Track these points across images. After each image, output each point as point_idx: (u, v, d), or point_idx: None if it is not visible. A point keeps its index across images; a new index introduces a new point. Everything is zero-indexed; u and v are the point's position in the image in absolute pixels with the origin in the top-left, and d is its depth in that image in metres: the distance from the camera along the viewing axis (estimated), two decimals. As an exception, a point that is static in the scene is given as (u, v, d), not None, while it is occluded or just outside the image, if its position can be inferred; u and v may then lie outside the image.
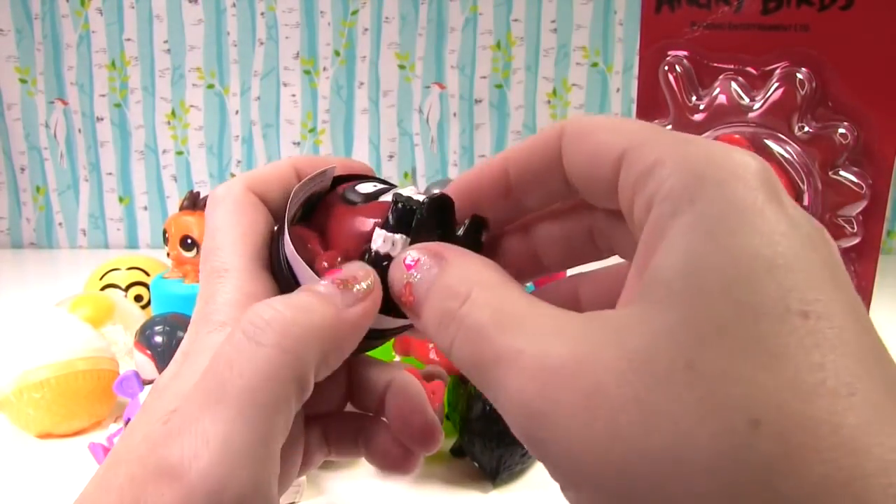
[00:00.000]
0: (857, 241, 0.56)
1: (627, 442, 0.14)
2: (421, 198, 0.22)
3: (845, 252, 0.57)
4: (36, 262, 1.13)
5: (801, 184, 0.55)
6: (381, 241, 0.21)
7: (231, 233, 0.22)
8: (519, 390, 0.15)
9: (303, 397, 0.19)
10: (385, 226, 0.21)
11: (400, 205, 0.21)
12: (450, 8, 1.10)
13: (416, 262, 0.20)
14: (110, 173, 1.17)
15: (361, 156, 1.15)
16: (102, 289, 0.75)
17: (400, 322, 0.22)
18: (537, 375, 0.15)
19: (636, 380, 0.14)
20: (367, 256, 0.21)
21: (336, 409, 0.26)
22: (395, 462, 0.25)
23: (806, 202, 0.55)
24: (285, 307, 0.19)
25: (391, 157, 1.16)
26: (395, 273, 0.20)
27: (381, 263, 0.21)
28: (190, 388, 0.18)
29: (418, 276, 0.19)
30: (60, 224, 1.19)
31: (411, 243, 0.21)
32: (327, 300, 0.19)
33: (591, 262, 0.23)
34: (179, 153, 1.16)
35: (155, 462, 0.17)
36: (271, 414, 0.18)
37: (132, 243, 1.20)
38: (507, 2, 1.09)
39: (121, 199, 1.18)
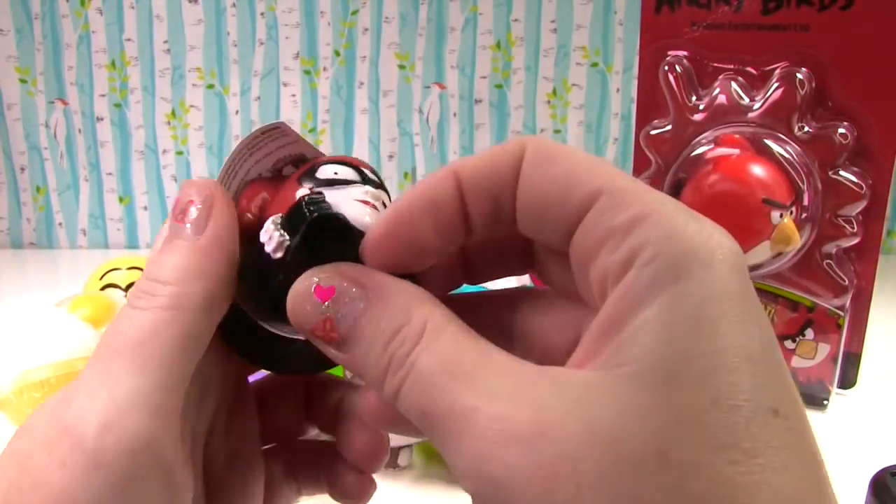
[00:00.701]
0: (856, 241, 0.56)
1: None
2: (331, 211, 0.19)
3: (846, 252, 0.57)
4: (36, 262, 1.13)
5: (800, 184, 0.55)
6: (265, 234, 0.19)
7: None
8: (474, 451, 0.15)
9: (198, 347, 0.19)
10: (281, 221, 0.19)
11: (299, 208, 0.19)
12: (450, 8, 1.10)
13: (332, 291, 0.17)
14: (110, 173, 1.17)
15: (361, 156, 1.15)
16: (102, 289, 0.75)
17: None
18: (495, 439, 0.14)
19: (603, 457, 0.13)
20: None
21: (295, 432, 0.25)
22: (348, 489, 0.24)
23: (806, 202, 0.55)
24: (154, 267, 0.19)
25: (391, 157, 1.16)
26: (302, 303, 0.18)
27: (263, 257, 0.19)
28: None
29: (340, 312, 0.17)
30: (60, 224, 1.19)
31: (294, 252, 0.18)
32: (178, 239, 0.19)
33: (521, 274, 0.22)
34: (179, 153, 1.16)
35: (53, 424, 0.17)
36: (160, 364, 0.18)
37: (132, 243, 1.20)
38: (507, 2, 1.09)
39: (121, 199, 1.18)
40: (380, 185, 0.21)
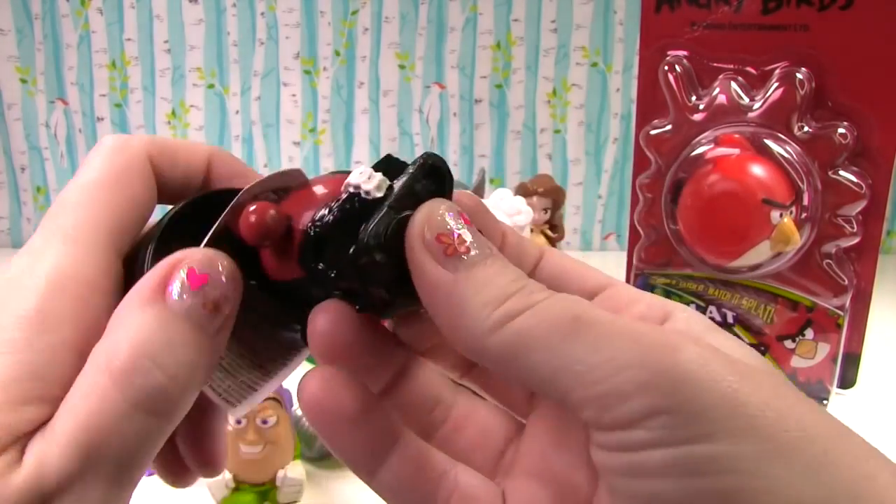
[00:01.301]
0: (856, 240, 0.56)
1: None
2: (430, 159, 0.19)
3: (845, 252, 0.57)
4: (36, 262, 1.13)
5: (800, 184, 0.55)
6: (358, 174, 0.18)
7: (107, 203, 0.18)
8: (631, 378, 0.15)
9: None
10: (367, 170, 0.19)
11: (390, 159, 0.19)
12: (450, 8, 1.10)
13: (468, 221, 0.18)
14: (110, 173, 1.17)
15: (361, 156, 1.15)
16: (103, 288, 0.75)
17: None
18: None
19: None
20: (334, 205, 0.18)
21: None
22: (172, 472, 0.23)
23: (806, 202, 0.55)
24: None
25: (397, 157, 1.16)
26: (435, 214, 0.17)
27: (353, 207, 0.18)
28: None
29: (476, 239, 0.17)
30: (61, 224, 1.19)
31: (400, 195, 0.18)
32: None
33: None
34: (179, 153, 1.16)
35: None
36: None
37: (132, 243, 1.20)
38: (507, 2, 1.09)
39: (121, 199, 1.18)
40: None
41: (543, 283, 0.18)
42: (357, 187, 0.18)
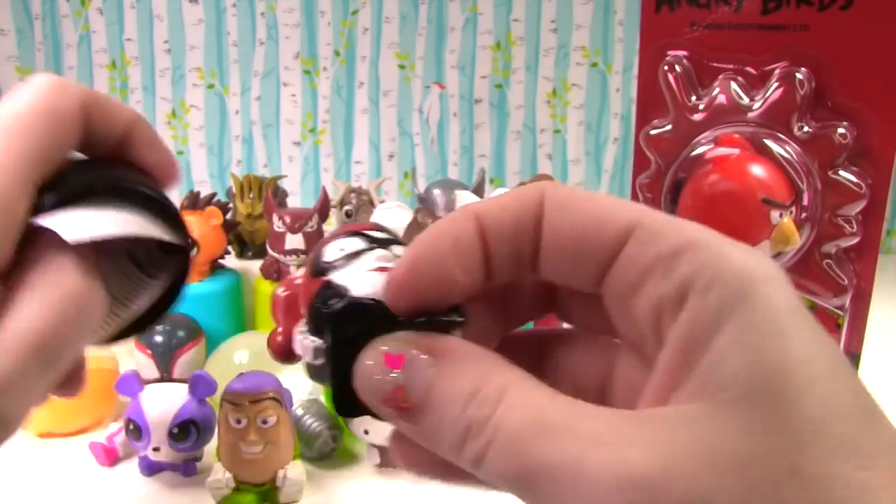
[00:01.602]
0: (856, 240, 0.56)
1: None
2: (345, 300, 0.17)
3: (845, 252, 0.57)
4: (36, 262, 1.13)
5: (800, 184, 0.55)
6: (297, 347, 0.18)
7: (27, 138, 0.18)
8: (589, 500, 0.14)
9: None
10: (306, 327, 0.18)
11: (314, 309, 0.18)
12: (450, 8, 1.10)
13: (401, 359, 0.16)
14: (110, 173, 1.17)
15: (361, 156, 1.15)
16: (103, 288, 0.75)
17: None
18: (611, 485, 0.14)
19: (735, 487, 0.13)
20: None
21: None
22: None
23: (805, 202, 0.55)
24: None
25: (391, 157, 1.16)
26: (370, 374, 0.17)
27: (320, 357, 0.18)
28: None
29: (412, 378, 0.16)
30: (61, 224, 1.19)
31: (331, 351, 0.17)
32: None
33: (540, 318, 0.21)
34: (180, 153, 1.16)
35: None
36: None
37: (132, 243, 1.20)
38: (507, 2, 1.09)
39: (121, 199, 1.18)
40: (390, 241, 0.20)
41: (555, 249, 0.17)
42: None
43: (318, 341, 0.18)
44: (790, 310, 0.15)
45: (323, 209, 0.70)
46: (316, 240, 0.68)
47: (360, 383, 0.17)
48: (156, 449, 0.51)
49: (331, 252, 0.19)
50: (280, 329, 0.20)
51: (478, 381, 0.16)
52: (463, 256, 0.17)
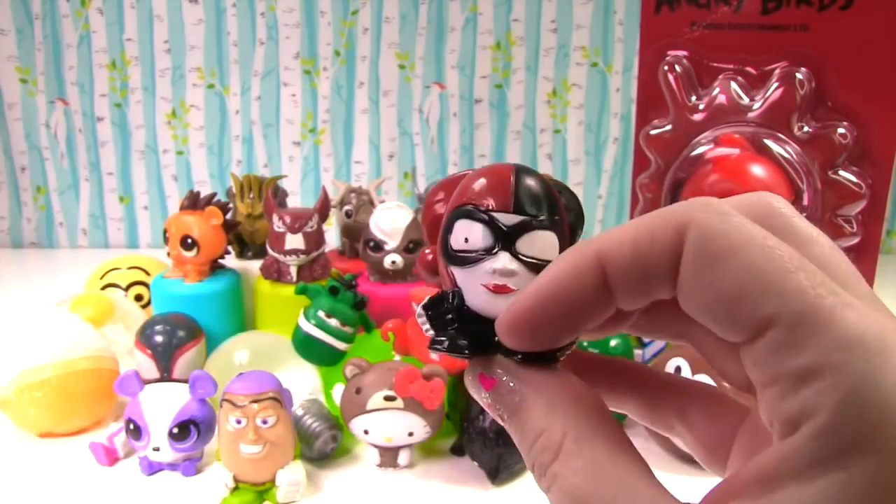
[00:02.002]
0: (856, 240, 0.56)
1: None
2: (454, 313, 0.18)
3: (845, 252, 0.57)
4: (36, 262, 1.13)
5: (800, 184, 0.55)
6: (418, 318, 0.19)
7: None
8: None
9: None
10: (424, 309, 0.19)
11: (429, 313, 0.18)
12: (450, 8, 1.10)
13: (493, 382, 0.17)
14: (111, 173, 1.17)
15: (361, 156, 1.15)
16: (103, 288, 0.75)
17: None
18: None
19: None
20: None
21: None
22: None
23: (806, 202, 0.55)
24: None
25: (391, 156, 1.16)
26: (473, 389, 0.18)
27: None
28: None
29: (500, 402, 0.17)
30: (61, 224, 1.19)
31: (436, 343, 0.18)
32: None
33: (670, 339, 0.20)
34: (180, 153, 1.16)
35: None
36: None
37: (132, 243, 1.20)
38: (507, 2, 1.09)
39: (121, 199, 1.18)
40: (516, 233, 0.17)
41: (690, 311, 0.15)
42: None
43: (429, 327, 0.18)
44: None
45: (323, 209, 0.70)
46: (316, 240, 0.68)
47: (468, 387, 0.18)
48: (156, 449, 0.51)
49: (456, 238, 0.18)
50: (428, 250, 0.20)
51: (542, 424, 0.16)
52: (581, 302, 0.16)
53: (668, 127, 0.60)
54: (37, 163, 1.17)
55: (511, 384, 0.17)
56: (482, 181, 0.18)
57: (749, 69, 0.57)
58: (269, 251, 0.69)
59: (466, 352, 0.18)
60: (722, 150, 0.57)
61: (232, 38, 1.12)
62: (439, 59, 1.12)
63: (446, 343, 0.18)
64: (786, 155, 0.56)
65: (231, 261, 0.72)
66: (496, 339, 0.17)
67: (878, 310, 0.14)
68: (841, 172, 0.56)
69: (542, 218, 0.17)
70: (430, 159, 1.16)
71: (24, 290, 0.96)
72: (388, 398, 0.49)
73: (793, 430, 0.13)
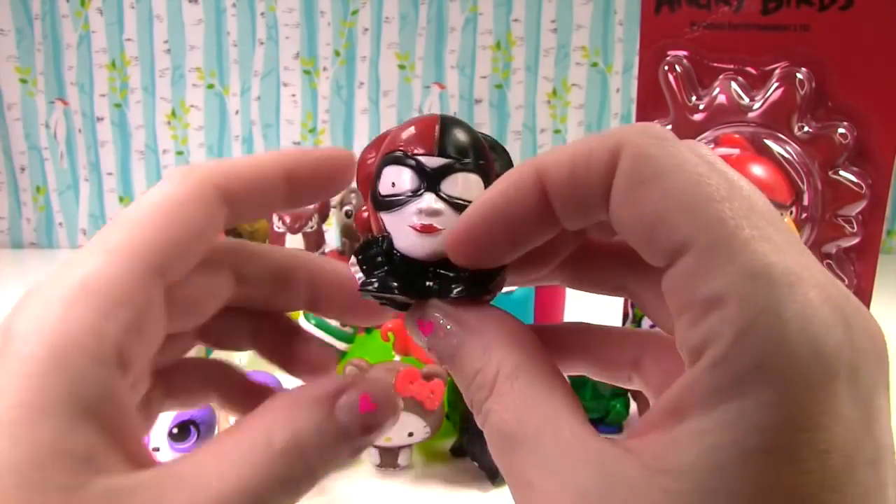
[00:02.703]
0: (856, 240, 0.56)
1: None
2: (382, 261, 0.18)
3: (845, 252, 0.57)
4: (36, 262, 1.13)
5: (800, 184, 0.55)
6: (351, 267, 0.19)
7: (153, 223, 0.17)
8: None
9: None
10: (356, 258, 0.19)
11: (360, 257, 0.19)
12: (450, 8, 1.10)
13: (431, 326, 0.18)
14: (110, 173, 1.17)
15: (361, 156, 1.15)
16: (102, 289, 0.75)
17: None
18: None
19: None
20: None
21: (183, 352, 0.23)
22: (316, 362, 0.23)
23: (806, 202, 0.55)
24: None
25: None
26: (413, 333, 0.19)
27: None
28: None
29: (438, 346, 0.18)
30: (60, 224, 1.19)
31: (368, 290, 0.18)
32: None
33: (609, 291, 0.21)
34: (179, 153, 1.16)
35: None
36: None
37: (132, 243, 1.20)
38: (507, 2, 1.09)
39: (121, 199, 1.18)
40: (441, 173, 0.18)
41: (619, 229, 0.15)
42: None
43: (362, 275, 0.19)
44: (796, 429, 0.12)
45: (323, 209, 0.70)
46: (316, 240, 0.68)
47: (409, 333, 0.19)
48: (156, 449, 0.51)
49: (384, 183, 0.18)
50: (364, 208, 0.20)
51: (478, 363, 0.17)
52: (522, 216, 0.16)
53: (669, 127, 0.60)
54: (36, 163, 1.17)
55: (448, 327, 0.18)
56: (409, 130, 0.18)
57: (749, 69, 0.57)
58: (269, 251, 0.69)
59: (396, 291, 0.18)
60: (722, 151, 0.57)
61: (232, 38, 1.12)
62: (439, 60, 1.12)
63: (376, 284, 0.18)
64: (786, 155, 0.56)
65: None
66: (428, 283, 0.18)
67: (795, 246, 0.14)
68: (841, 172, 0.56)
69: (466, 161, 0.18)
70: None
71: (23, 291, 0.96)
72: (388, 398, 0.49)
73: (697, 359, 0.13)
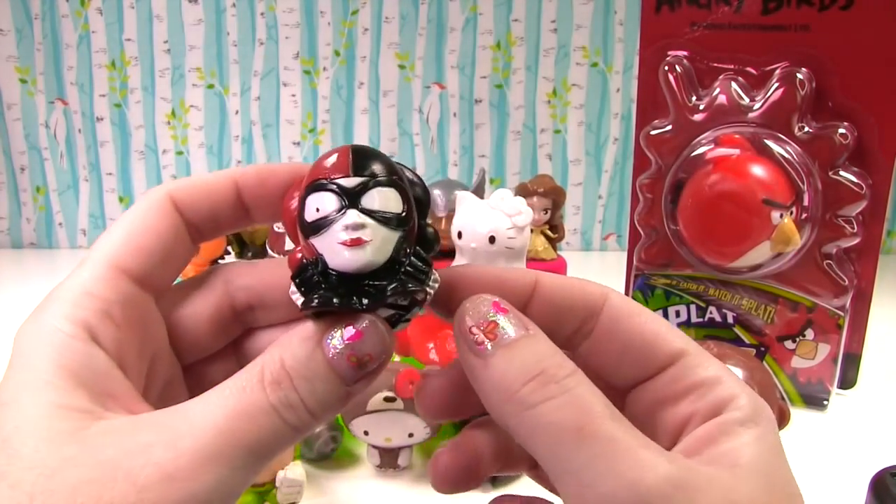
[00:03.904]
0: (856, 241, 0.56)
1: None
2: (319, 284, 0.19)
3: (846, 252, 0.57)
4: (36, 263, 1.13)
5: (801, 184, 0.55)
6: (291, 293, 0.20)
7: (118, 231, 0.21)
8: (611, 492, 0.17)
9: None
10: (295, 285, 0.20)
11: (295, 281, 0.20)
12: (450, 8, 1.10)
13: (504, 310, 0.20)
14: (110, 173, 1.17)
15: (361, 156, 1.15)
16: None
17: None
18: (635, 489, 0.17)
19: None
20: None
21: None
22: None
23: (806, 202, 0.55)
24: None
25: (391, 157, 1.16)
26: (480, 306, 0.20)
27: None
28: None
29: (506, 325, 0.19)
30: (60, 224, 1.19)
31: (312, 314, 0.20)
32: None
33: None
34: (179, 153, 1.16)
35: None
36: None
37: (132, 243, 1.20)
38: (507, 2, 1.09)
39: (121, 199, 1.18)
40: (360, 191, 0.19)
41: (610, 345, 0.21)
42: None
43: (301, 298, 0.20)
44: (778, 442, 0.20)
45: (323, 209, 0.70)
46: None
47: (468, 308, 0.20)
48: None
49: (309, 210, 0.20)
50: (297, 248, 0.21)
51: (556, 354, 0.20)
52: None
53: (669, 127, 0.60)
54: (36, 163, 1.17)
55: (517, 318, 0.20)
56: (323, 161, 0.20)
57: (749, 69, 0.57)
58: (269, 252, 0.69)
59: (335, 303, 0.19)
60: (722, 151, 0.57)
61: (232, 38, 1.12)
62: (439, 59, 1.12)
63: (316, 301, 0.19)
64: (786, 155, 0.56)
65: (232, 261, 0.72)
66: (363, 301, 0.19)
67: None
68: (841, 173, 0.56)
69: (380, 178, 0.20)
70: (430, 159, 1.15)
71: (23, 291, 0.96)
72: (388, 399, 0.49)
73: (716, 413, 0.20)
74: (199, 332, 0.23)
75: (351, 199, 0.19)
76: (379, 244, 0.19)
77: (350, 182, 0.19)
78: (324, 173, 0.20)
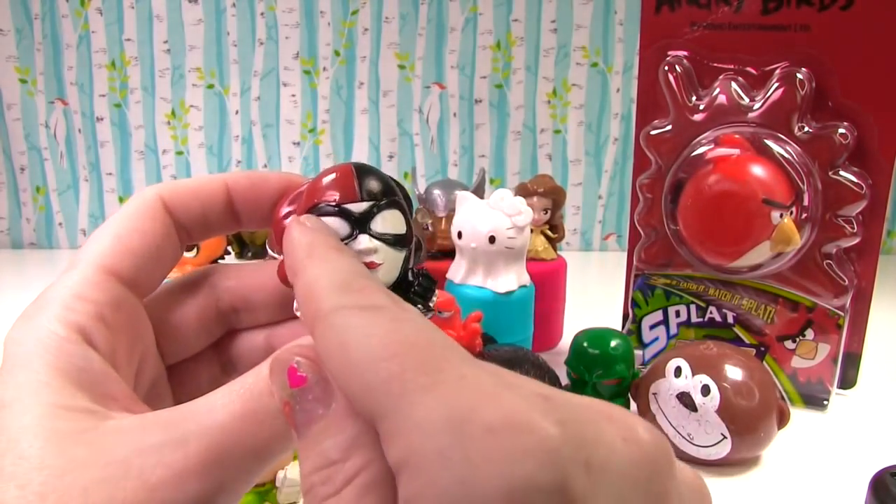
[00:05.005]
0: (857, 241, 0.56)
1: None
2: None
3: (846, 252, 0.57)
4: (36, 263, 1.13)
5: (800, 184, 0.55)
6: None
7: (107, 232, 0.21)
8: None
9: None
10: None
11: None
12: (450, 8, 1.10)
13: (303, 381, 0.17)
14: (110, 173, 1.17)
15: (361, 156, 1.15)
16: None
17: None
18: None
19: None
20: None
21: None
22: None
23: (806, 202, 0.55)
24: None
25: (391, 157, 1.16)
26: (278, 373, 0.17)
27: None
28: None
29: (300, 407, 0.17)
30: (60, 224, 1.19)
31: None
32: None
33: None
34: (179, 153, 1.16)
35: None
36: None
37: (132, 243, 1.20)
38: (507, 2, 1.09)
39: (121, 199, 1.18)
40: (369, 216, 0.20)
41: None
42: None
43: None
44: None
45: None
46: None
47: (271, 368, 0.18)
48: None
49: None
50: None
51: (337, 456, 0.16)
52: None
53: (669, 127, 0.60)
54: (36, 163, 1.16)
55: (322, 392, 0.17)
56: (326, 182, 0.20)
57: (749, 69, 0.57)
58: (269, 251, 0.69)
59: None
60: (722, 151, 0.57)
61: (231, 39, 1.12)
62: (439, 59, 1.12)
63: None
64: (786, 155, 0.56)
65: (231, 261, 0.72)
66: None
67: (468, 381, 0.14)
68: (841, 173, 0.56)
69: (385, 200, 0.20)
70: (429, 160, 1.15)
71: (23, 291, 0.96)
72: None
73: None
74: (185, 334, 0.23)
75: (361, 224, 0.20)
76: (389, 266, 0.20)
77: (359, 207, 0.20)
78: (330, 196, 0.20)
